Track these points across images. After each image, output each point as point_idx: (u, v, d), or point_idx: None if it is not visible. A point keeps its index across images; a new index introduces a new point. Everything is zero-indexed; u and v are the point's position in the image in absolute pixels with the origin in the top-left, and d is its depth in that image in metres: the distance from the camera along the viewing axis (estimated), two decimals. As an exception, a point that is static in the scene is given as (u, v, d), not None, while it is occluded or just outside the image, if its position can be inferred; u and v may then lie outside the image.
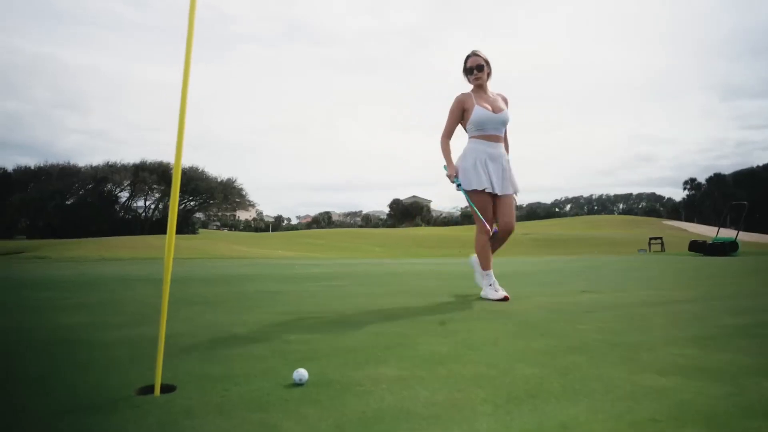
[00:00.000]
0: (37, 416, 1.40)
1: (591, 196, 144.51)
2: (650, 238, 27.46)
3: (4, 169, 72.88)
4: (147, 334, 2.61)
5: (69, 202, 68.95)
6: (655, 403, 1.51)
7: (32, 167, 72.26)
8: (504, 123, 4.04)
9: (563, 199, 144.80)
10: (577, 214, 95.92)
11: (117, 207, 74.11)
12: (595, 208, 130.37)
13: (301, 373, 1.71)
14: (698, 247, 16.41)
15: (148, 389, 1.62)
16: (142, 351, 2.20)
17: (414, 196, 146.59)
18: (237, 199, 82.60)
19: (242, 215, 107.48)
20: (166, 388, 1.64)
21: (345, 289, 5.04)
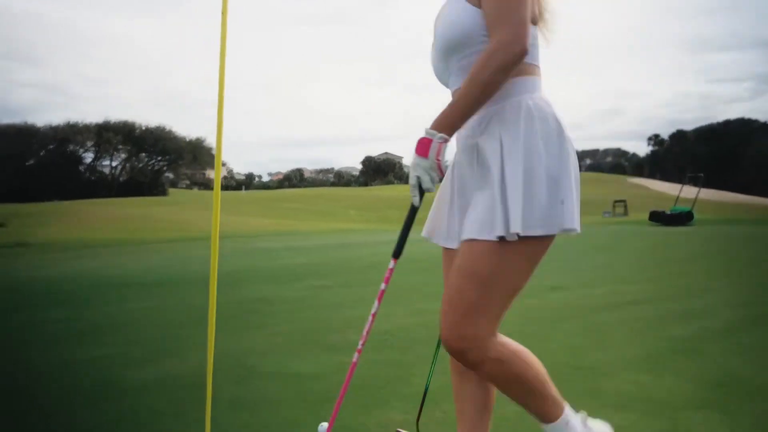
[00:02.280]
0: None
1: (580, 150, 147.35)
2: (614, 201, 28.67)
3: (-46, 129, 69.19)
4: (168, 371, 2.91)
5: (29, 164, 66.40)
6: (609, 447, 1.92)
7: (-15, 127, 68.89)
8: None
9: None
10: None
11: (81, 168, 71.77)
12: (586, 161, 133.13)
13: (324, 427, 2.06)
14: (657, 217, 17.50)
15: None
16: (175, 396, 2.51)
17: (386, 153, 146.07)
18: (207, 159, 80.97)
19: (212, 173, 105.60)
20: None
21: (334, 295, 5.37)
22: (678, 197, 19.87)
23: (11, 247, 13.27)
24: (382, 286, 1.52)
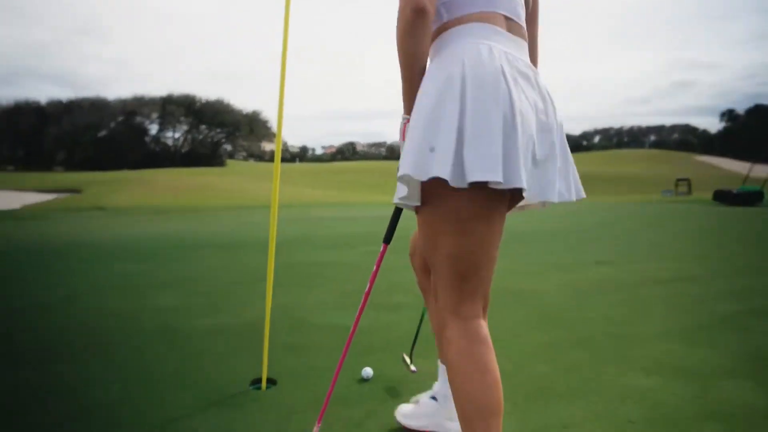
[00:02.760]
0: (184, 412, 2.01)
1: (621, 127, 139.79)
2: (677, 179, 27.18)
3: (37, 102, 74.59)
4: (231, 321, 3.23)
5: (101, 135, 70.76)
6: (635, 405, 2.02)
7: (64, 101, 73.89)
8: None
9: (592, 130, 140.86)
10: (605, 147, 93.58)
11: (147, 139, 75.77)
12: (626, 140, 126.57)
13: (367, 372, 2.29)
14: (723, 196, 16.46)
15: (257, 381, 2.23)
16: (237, 341, 2.81)
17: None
18: (263, 131, 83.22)
19: (268, 146, 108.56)
20: (270, 381, 2.23)
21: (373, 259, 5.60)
22: (747, 176, 18.64)
23: (89, 211, 14.47)
24: (374, 268, 1.66)
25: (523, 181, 1.18)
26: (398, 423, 1.86)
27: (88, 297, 3.96)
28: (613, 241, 7.25)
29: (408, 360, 2.21)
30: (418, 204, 1.32)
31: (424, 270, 1.76)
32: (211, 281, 4.52)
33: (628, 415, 1.93)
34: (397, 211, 1.61)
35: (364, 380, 2.27)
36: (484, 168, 1.16)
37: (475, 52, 1.26)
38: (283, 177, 37.70)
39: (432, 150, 1.19)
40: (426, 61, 1.33)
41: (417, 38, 1.26)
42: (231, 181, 32.09)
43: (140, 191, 20.61)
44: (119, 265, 5.30)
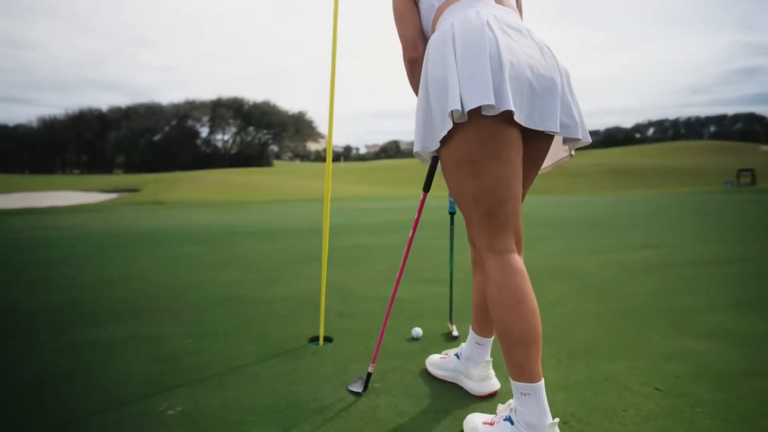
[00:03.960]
0: (249, 361, 2.21)
1: (678, 118, 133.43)
2: (739, 170, 25.73)
3: (99, 109, 79.39)
4: (287, 292, 3.45)
5: (156, 138, 74.30)
6: (682, 363, 2.05)
7: (122, 107, 78.28)
8: None
9: (646, 122, 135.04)
10: (660, 140, 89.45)
11: (198, 141, 78.84)
12: (682, 132, 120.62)
13: (417, 331, 2.42)
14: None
15: (315, 339, 2.41)
16: (294, 307, 3.01)
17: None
18: (308, 131, 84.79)
19: (312, 146, 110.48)
20: (326, 339, 2.41)
21: (427, 244, 5.73)
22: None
23: (148, 205, 15.37)
24: (416, 215, 1.84)
25: (511, 104, 1.30)
26: (426, 369, 2.04)
27: (158, 271, 4.30)
28: (662, 227, 7.06)
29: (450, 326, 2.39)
30: (437, 146, 1.44)
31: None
32: (265, 261, 4.78)
33: (674, 372, 1.96)
34: (434, 163, 1.74)
35: (414, 339, 2.41)
36: (477, 96, 1.30)
37: (462, 15, 1.43)
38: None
39: (447, 89, 1.36)
40: None
41: (415, 73, 1.60)
42: (276, 179, 32.99)
43: (193, 189, 21.69)
44: (181, 248, 5.68)
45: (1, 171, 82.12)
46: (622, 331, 2.49)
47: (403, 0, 1.61)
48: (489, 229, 1.44)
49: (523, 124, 1.37)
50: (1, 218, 12.12)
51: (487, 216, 1.44)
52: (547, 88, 1.40)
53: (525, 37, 1.44)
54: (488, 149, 1.38)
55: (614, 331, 2.47)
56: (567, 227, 7.44)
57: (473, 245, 1.75)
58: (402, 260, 1.93)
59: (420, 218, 1.85)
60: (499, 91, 1.31)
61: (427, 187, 1.83)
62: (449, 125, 1.36)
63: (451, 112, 1.34)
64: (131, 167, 75.63)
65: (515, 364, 1.40)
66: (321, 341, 2.38)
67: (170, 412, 1.69)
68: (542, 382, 1.40)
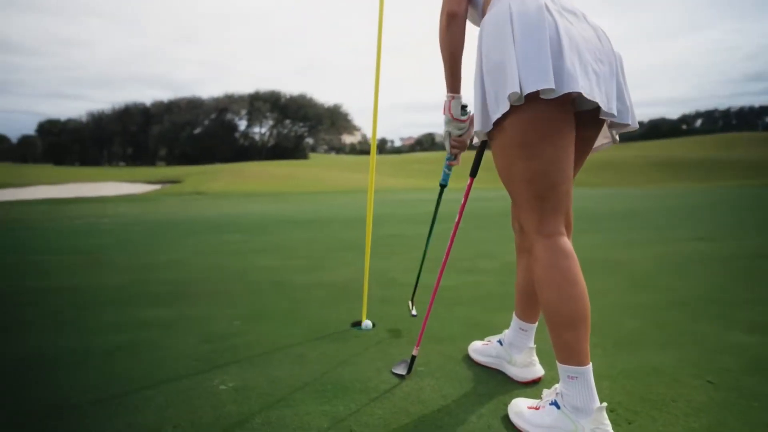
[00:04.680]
0: (294, 342, 2.27)
1: (729, 109, 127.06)
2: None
3: (143, 104, 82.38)
4: (330, 278, 3.51)
5: (197, 132, 76.42)
6: (733, 357, 1.99)
7: (165, 101, 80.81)
8: None
9: (694, 113, 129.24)
10: (709, 131, 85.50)
11: (236, 134, 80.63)
12: (734, 123, 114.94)
13: (367, 324, 2.43)
14: None
15: (357, 323, 2.45)
16: (337, 293, 3.07)
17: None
18: (343, 124, 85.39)
19: (348, 139, 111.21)
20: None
21: (466, 234, 5.70)
22: None
23: (190, 195, 15.87)
24: (462, 200, 1.86)
25: (579, 85, 1.30)
26: (469, 355, 2.05)
27: (203, 257, 4.45)
28: (714, 220, 6.78)
29: (411, 305, 2.38)
30: (489, 129, 1.43)
31: (522, 230, 1.86)
32: (306, 249, 4.87)
33: (726, 365, 1.91)
34: (481, 147, 1.73)
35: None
36: (537, 79, 1.30)
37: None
38: (363, 167, 38.62)
39: (504, 74, 1.35)
40: (461, 52, 1.56)
41: (452, 35, 1.53)
42: (315, 171, 33.38)
43: (232, 180, 22.29)
44: (224, 236, 5.85)
45: (54, 163, 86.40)
46: (670, 322, 2.42)
47: None
48: (540, 211, 1.43)
49: (598, 102, 1.35)
50: (57, 206, 12.78)
51: (539, 199, 1.42)
52: (606, 72, 1.40)
53: (581, 21, 1.43)
54: (544, 132, 1.38)
55: (662, 323, 2.41)
56: (610, 219, 7.24)
57: (519, 229, 1.74)
58: (448, 246, 1.94)
59: (465, 204, 1.86)
60: (558, 75, 1.31)
61: (474, 172, 1.82)
62: (505, 107, 1.35)
63: (509, 95, 1.33)
64: (173, 159, 78.10)
65: (563, 347, 1.39)
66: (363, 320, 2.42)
67: (222, 387, 1.76)
68: (590, 365, 1.40)
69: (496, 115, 1.39)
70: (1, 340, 2.31)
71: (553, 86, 1.29)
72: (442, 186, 2.06)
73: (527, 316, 1.85)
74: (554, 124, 1.38)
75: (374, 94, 2.43)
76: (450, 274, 3.51)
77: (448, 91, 1.62)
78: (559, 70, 1.31)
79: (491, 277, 3.46)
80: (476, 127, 1.48)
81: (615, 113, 1.40)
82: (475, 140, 1.65)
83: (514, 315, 1.90)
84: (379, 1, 2.26)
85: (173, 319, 2.56)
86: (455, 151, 1.76)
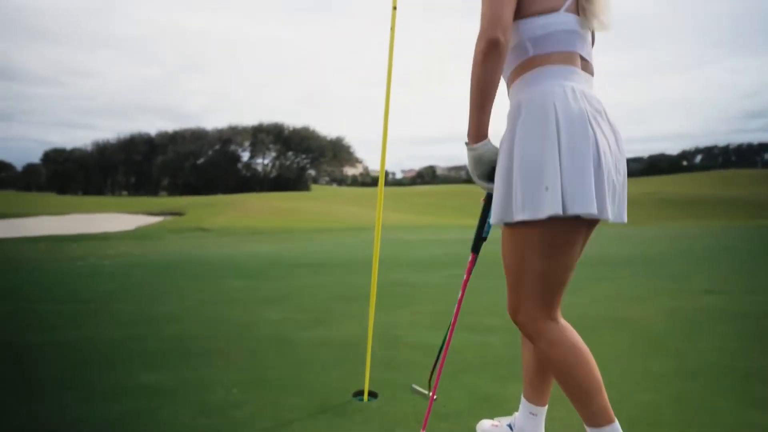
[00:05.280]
0: (294, 417, 2.18)
1: (728, 145, 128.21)
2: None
3: (148, 134, 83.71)
4: (333, 335, 3.42)
5: (200, 162, 77.12)
6: (753, 440, 1.90)
7: (170, 131, 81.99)
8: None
9: (693, 149, 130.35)
10: (709, 168, 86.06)
11: (239, 165, 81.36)
12: (733, 159, 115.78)
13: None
14: None
15: (359, 393, 2.36)
16: (340, 354, 2.98)
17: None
18: (345, 156, 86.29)
19: (349, 170, 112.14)
20: (371, 394, 2.35)
21: (470, 284, 5.63)
22: None
23: (193, 231, 15.85)
24: (465, 277, 1.78)
25: (610, 213, 1.39)
26: None
27: (207, 307, 4.37)
28: (730, 269, 6.67)
29: (419, 388, 2.07)
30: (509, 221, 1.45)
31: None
32: (311, 297, 4.79)
33: (747, 451, 1.82)
34: (483, 219, 1.70)
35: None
36: (583, 203, 1.34)
37: (562, 95, 1.39)
38: (365, 201, 38.86)
39: (546, 189, 1.35)
40: (496, 89, 1.41)
41: (491, 68, 1.36)
42: (315, 204, 33.49)
43: (235, 214, 22.37)
44: (229, 282, 5.77)
45: (58, 191, 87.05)
46: (685, 396, 2.33)
47: None
48: (550, 302, 1.49)
49: (612, 221, 1.43)
50: (59, 244, 12.75)
51: (550, 292, 1.48)
52: (621, 181, 1.47)
53: (605, 121, 1.45)
54: (568, 239, 1.44)
55: (677, 397, 2.32)
56: (619, 266, 7.16)
57: (526, 317, 1.56)
58: (452, 322, 1.88)
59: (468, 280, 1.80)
60: (600, 198, 1.37)
61: (476, 249, 1.77)
62: (536, 215, 1.37)
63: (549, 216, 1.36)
64: (175, 189, 78.64)
65: (596, 412, 1.47)
66: (366, 396, 2.33)
67: (219, 475, 1.67)
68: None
69: (521, 216, 1.39)
70: (7, 404, 2.23)
71: (596, 212, 1.35)
72: (483, 239, 1.74)
73: (537, 399, 1.77)
74: (577, 234, 1.46)
75: (383, 132, 2.39)
76: (455, 333, 3.42)
77: (469, 140, 1.46)
78: (600, 194, 1.37)
79: (500, 336, 3.37)
80: (493, 218, 1.46)
81: (625, 220, 1.49)
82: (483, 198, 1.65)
83: (522, 398, 1.82)
84: (390, 36, 2.26)
85: (172, 386, 2.47)
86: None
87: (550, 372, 1.68)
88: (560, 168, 1.34)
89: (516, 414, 1.88)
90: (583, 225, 1.44)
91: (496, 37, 1.35)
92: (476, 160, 1.48)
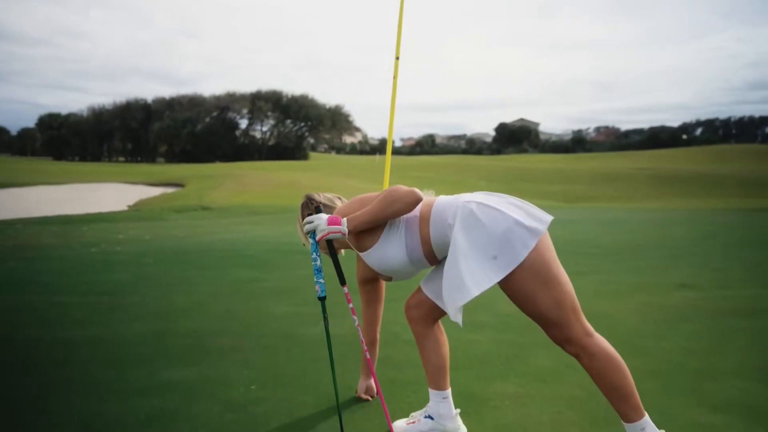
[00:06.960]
0: (306, 413, 2.52)
1: (729, 118, 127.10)
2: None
3: (144, 99, 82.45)
4: (337, 331, 3.72)
5: (197, 129, 76.39)
6: (696, 440, 2.24)
7: (167, 97, 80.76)
8: None
9: (694, 121, 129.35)
10: (709, 141, 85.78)
11: (237, 133, 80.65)
12: (734, 132, 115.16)
13: None
14: None
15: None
16: (343, 350, 3.28)
17: (521, 119, 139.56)
18: (344, 125, 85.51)
19: (348, 139, 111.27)
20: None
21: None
22: None
23: (195, 210, 16.15)
24: (350, 305, 2.38)
25: (547, 216, 1.95)
26: None
27: (220, 299, 4.66)
28: (708, 261, 6.89)
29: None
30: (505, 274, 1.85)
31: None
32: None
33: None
34: (334, 253, 2.46)
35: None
36: (537, 222, 1.90)
37: (473, 199, 2.04)
38: (364, 172, 38.75)
39: (495, 258, 1.88)
40: (387, 221, 2.11)
41: (402, 209, 2.02)
42: (316, 176, 33.59)
43: (234, 188, 22.58)
44: (235, 271, 6.03)
45: (54, 157, 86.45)
46: (644, 395, 2.59)
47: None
48: (578, 319, 1.92)
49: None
50: (69, 227, 12.89)
51: (571, 311, 1.90)
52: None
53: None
54: (545, 257, 1.87)
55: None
56: (604, 256, 7.44)
57: (569, 342, 1.94)
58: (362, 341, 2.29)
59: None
60: (535, 218, 1.92)
61: (342, 280, 2.36)
62: (533, 243, 1.83)
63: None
64: (173, 156, 78.12)
65: (631, 410, 1.91)
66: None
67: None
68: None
69: (526, 250, 1.83)
70: (42, 403, 2.56)
71: (550, 217, 1.91)
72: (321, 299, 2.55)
73: (444, 384, 2.22)
74: (547, 249, 1.89)
75: (389, 128, 2.60)
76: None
77: (348, 224, 2.14)
78: (529, 215, 1.92)
79: (488, 334, 3.69)
80: (474, 289, 1.87)
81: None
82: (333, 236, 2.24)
83: (431, 390, 2.22)
84: (392, 84, 2.51)
85: (196, 382, 2.80)
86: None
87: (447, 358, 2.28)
88: (514, 217, 1.91)
89: (428, 405, 2.26)
90: (542, 239, 1.88)
91: (418, 199, 2.02)
92: (327, 230, 2.20)
